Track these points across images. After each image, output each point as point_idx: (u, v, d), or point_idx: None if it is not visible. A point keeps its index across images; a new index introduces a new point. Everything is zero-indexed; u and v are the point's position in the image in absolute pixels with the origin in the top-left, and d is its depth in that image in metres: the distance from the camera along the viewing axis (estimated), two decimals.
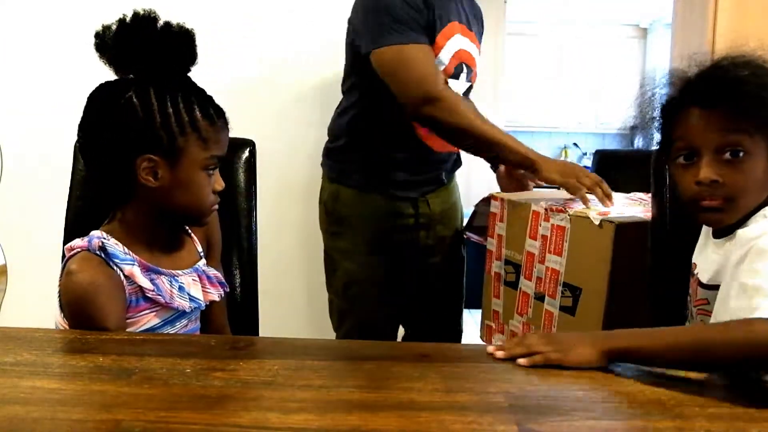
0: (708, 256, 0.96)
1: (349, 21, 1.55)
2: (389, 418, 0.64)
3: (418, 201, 1.61)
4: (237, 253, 1.27)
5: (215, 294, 1.07)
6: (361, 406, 0.68)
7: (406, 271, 1.63)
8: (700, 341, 0.75)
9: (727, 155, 0.87)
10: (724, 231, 0.92)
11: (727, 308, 0.82)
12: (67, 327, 0.94)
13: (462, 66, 1.59)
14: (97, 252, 0.94)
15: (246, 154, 1.30)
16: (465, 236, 1.75)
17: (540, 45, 5.71)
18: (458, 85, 1.58)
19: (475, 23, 1.66)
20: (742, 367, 0.75)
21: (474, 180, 3.30)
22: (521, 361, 0.79)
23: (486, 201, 1.62)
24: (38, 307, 1.05)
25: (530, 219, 1.42)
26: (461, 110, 1.44)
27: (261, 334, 1.27)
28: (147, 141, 0.94)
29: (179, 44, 0.96)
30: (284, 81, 2.00)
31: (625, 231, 1.20)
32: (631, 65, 5.63)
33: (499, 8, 4.73)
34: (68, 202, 1.23)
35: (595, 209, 1.30)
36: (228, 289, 1.12)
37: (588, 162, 5.45)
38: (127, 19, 0.94)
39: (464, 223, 1.79)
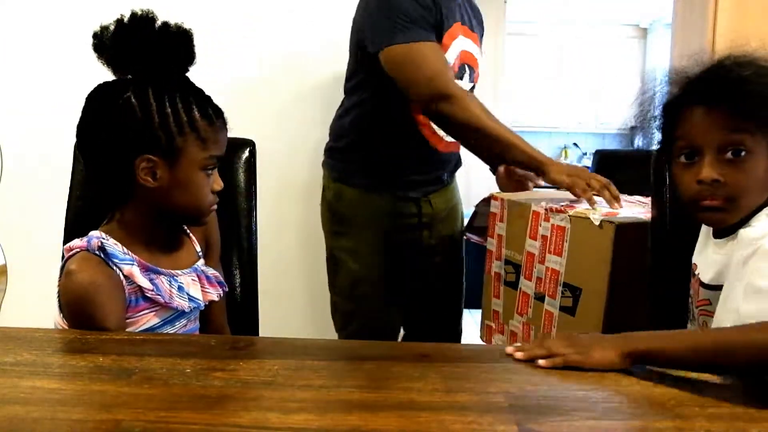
0: (708, 257, 0.96)
1: (355, 20, 1.55)
2: (389, 418, 0.64)
3: (421, 201, 1.62)
4: (237, 253, 1.27)
5: (214, 294, 1.07)
6: (361, 406, 0.68)
7: (408, 270, 1.63)
8: (720, 344, 0.74)
9: (729, 154, 0.86)
10: (724, 231, 0.92)
11: (733, 309, 0.82)
12: (66, 327, 0.94)
13: (465, 67, 1.59)
14: (97, 252, 0.94)
15: (246, 154, 1.29)
16: (465, 237, 1.75)
17: (540, 45, 5.71)
18: (462, 86, 1.58)
19: (476, 25, 1.67)
20: (762, 369, 0.74)
21: (474, 180, 3.30)
22: (541, 362, 0.78)
23: (486, 201, 1.62)
24: (38, 307, 1.05)
25: (530, 219, 1.42)
26: (473, 108, 1.44)
27: (261, 334, 1.27)
28: (145, 141, 0.94)
29: (177, 44, 0.96)
30: (284, 81, 2.00)
31: (625, 231, 1.20)
32: (631, 65, 5.63)
33: (499, 8, 4.74)
34: (68, 202, 1.23)
35: (601, 211, 1.29)
36: (227, 289, 1.12)
37: (588, 162, 5.45)
38: (125, 19, 0.94)
39: (464, 224, 1.79)
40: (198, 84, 1.01)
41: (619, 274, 1.20)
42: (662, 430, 0.64)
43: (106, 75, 0.98)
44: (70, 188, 1.24)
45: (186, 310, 1.02)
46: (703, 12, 2.41)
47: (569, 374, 0.77)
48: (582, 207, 1.34)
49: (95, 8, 1.70)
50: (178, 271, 1.03)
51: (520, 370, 0.79)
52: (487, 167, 1.86)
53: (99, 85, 0.97)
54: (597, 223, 1.23)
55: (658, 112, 0.96)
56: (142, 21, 0.94)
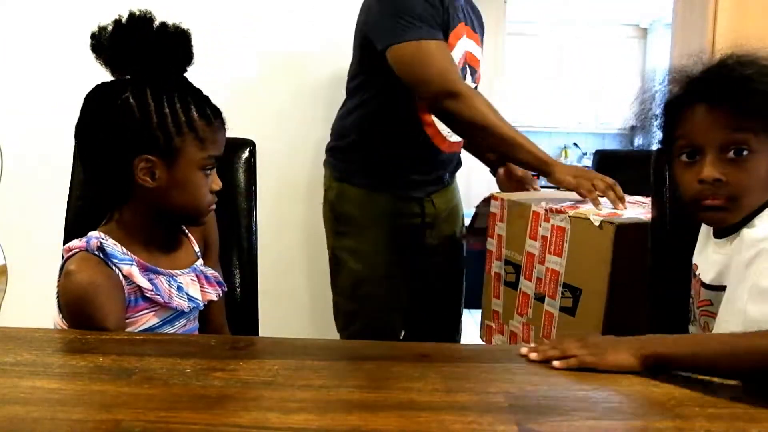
0: (709, 257, 0.95)
1: (360, 21, 1.55)
2: (389, 418, 0.64)
3: (423, 201, 1.62)
4: (237, 253, 1.27)
5: (213, 294, 1.07)
6: (361, 406, 0.68)
7: (410, 270, 1.63)
8: (742, 351, 0.73)
9: (731, 154, 0.86)
10: (725, 231, 0.92)
11: (738, 311, 0.81)
12: (66, 328, 0.94)
13: (468, 67, 1.60)
14: (96, 252, 0.94)
15: (246, 154, 1.29)
16: (463, 242, 1.75)
17: (540, 45, 5.71)
18: None
19: (477, 26, 1.68)
20: None
21: (474, 180, 3.30)
22: (556, 363, 0.78)
23: (486, 201, 1.62)
24: (38, 307, 1.05)
25: (530, 219, 1.42)
26: (480, 106, 1.44)
27: (261, 334, 1.27)
28: (144, 141, 0.94)
29: (175, 45, 0.96)
30: (284, 81, 2.00)
31: (625, 232, 1.20)
32: (631, 65, 5.64)
33: (499, 8, 4.74)
34: (68, 202, 1.24)
35: (604, 211, 1.29)
36: (226, 289, 1.12)
37: (588, 162, 5.46)
38: (123, 19, 0.94)
39: (464, 224, 1.80)
40: (198, 84, 1.01)
41: (619, 275, 1.20)
42: (662, 430, 0.64)
43: (106, 75, 0.98)
44: (70, 188, 1.24)
45: (185, 310, 1.02)
46: (703, 12, 2.41)
47: (569, 374, 0.77)
48: (585, 207, 1.33)
49: (96, 8, 1.70)
50: (177, 271, 1.03)
51: (520, 370, 0.79)
52: (487, 169, 1.86)
53: (97, 86, 0.97)
54: (597, 223, 1.23)
55: (659, 110, 0.96)
56: (140, 21, 0.94)
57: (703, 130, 0.87)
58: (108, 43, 0.94)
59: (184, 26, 0.97)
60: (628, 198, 1.42)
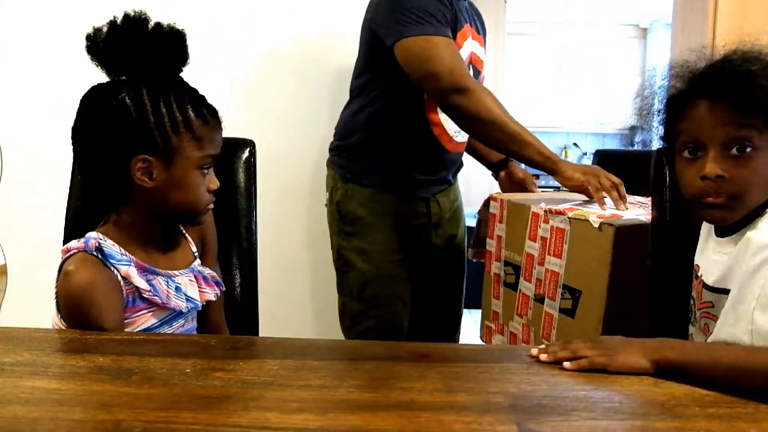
0: (710, 256, 0.94)
1: (367, 18, 1.55)
2: (389, 418, 0.64)
3: (429, 201, 1.62)
4: (237, 253, 1.27)
5: (211, 294, 1.08)
6: (361, 406, 0.68)
7: (416, 270, 1.63)
8: (755, 363, 0.73)
9: (734, 150, 0.85)
10: (726, 229, 0.91)
11: (744, 317, 0.81)
12: (64, 328, 0.94)
13: (472, 68, 1.60)
14: (94, 253, 0.94)
15: (246, 154, 1.29)
16: (470, 256, 1.74)
17: (540, 45, 5.71)
18: None
19: (481, 28, 1.69)
20: None
21: (474, 181, 3.31)
22: (566, 365, 0.78)
23: (486, 204, 1.62)
24: (38, 307, 1.05)
25: (529, 221, 1.42)
26: (489, 102, 1.44)
27: (261, 334, 1.27)
28: (141, 141, 0.94)
29: (170, 45, 0.96)
30: (284, 81, 2.00)
31: (624, 234, 1.20)
32: (631, 65, 5.63)
33: (499, 8, 4.73)
34: (68, 203, 1.24)
35: (607, 212, 1.29)
36: (224, 289, 1.12)
37: (588, 162, 5.45)
38: (118, 21, 0.94)
39: (465, 224, 1.80)
40: (198, 84, 1.01)
41: (618, 277, 1.20)
42: (662, 430, 0.64)
43: (104, 75, 0.98)
44: (70, 188, 1.24)
45: (183, 311, 1.02)
46: (703, 12, 2.41)
47: (569, 374, 0.77)
48: (585, 208, 1.33)
49: (96, 8, 1.70)
50: (176, 272, 1.03)
51: (520, 370, 0.79)
52: (487, 170, 1.87)
53: (93, 87, 0.98)
54: (596, 225, 1.23)
55: (661, 106, 0.95)
56: (135, 22, 0.94)
57: (706, 126, 0.86)
58: (103, 45, 0.95)
59: (179, 26, 0.97)
60: (628, 198, 1.43)
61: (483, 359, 0.84)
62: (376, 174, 1.57)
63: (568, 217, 1.30)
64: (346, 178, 1.60)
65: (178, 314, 1.03)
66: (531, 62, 5.66)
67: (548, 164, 1.46)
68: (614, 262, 1.20)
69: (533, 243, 1.40)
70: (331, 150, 1.66)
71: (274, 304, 1.50)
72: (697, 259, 1.00)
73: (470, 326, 1.88)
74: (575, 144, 6.04)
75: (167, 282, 1.01)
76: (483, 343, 1.64)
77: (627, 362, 0.77)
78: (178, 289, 1.02)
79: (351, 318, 1.63)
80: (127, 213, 1.00)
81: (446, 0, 1.47)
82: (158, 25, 0.95)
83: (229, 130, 1.08)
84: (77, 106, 0.97)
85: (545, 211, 1.36)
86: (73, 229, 1.15)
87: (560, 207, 1.34)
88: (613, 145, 5.95)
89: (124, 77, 0.96)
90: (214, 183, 1.02)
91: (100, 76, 0.98)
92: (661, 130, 0.96)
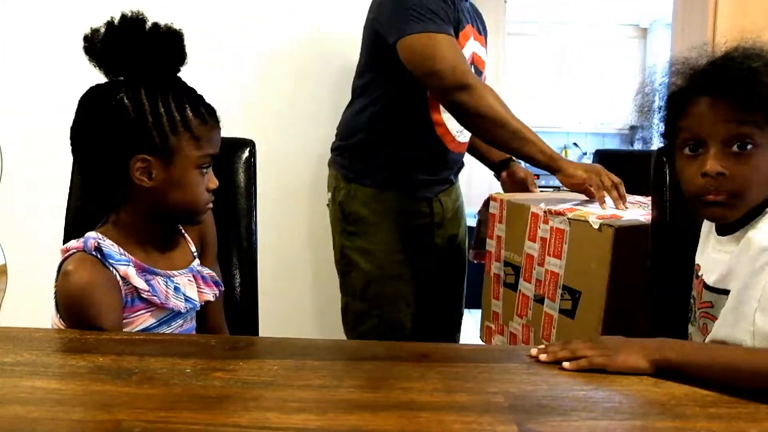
0: (711, 255, 0.94)
1: (370, 18, 1.55)
2: (389, 418, 0.64)
3: (432, 201, 1.62)
4: (237, 253, 1.27)
5: (210, 294, 1.08)
6: (361, 406, 0.68)
7: (418, 269, 1.63)
8: (755, 365, 0.73)
9: (735, 147, 0.84)
10: (727, 227, 0.91)
11: (745, 318, 0.80)
12: (63, 328, 0.94)
13: (473, 69, 1.60)
14: (93, 253, 0.94)
15: (246, 154, 1.29)
16: (471, 257, 1.74)
17: (540, 45, 5.71)
18: None
19: (482, 29, 1.69)
20: None
21: (475, 181, 3.31)
22: (566, 365, 0.78)
23: (486, 205, 1.62)
24: (38, 307, 1.05)
25: (529, 221, 1.42)
26: (492, 100, 1.44)
27: (261, 334, 1.27)
28: (140, 141, 0.94)
29: (168, 45, 0.96)
30: (284, 81, 2.00)
31: (624, 235, 1.19)
32: (631, 65, 5.63)
33: (499, 8, 4.73)
34: (68, 203, 1.24)
35: (606, 213, 1.29)
36: (223, 289, 1.12)
37: (588, 162, 5.45)
38: (115, 21, 0.94)
39: (467, 225, 1.80)
40: (198, 84, 1.01)
41: (618, 278, 1.20)
42: (662, 430, 0.64)
43: (103, 76, 0.98)
44: (70, 188, 1.24)
45: (182, 311, 1.02)
46: (703, 12, 2.41)
47: (569, 374, 0.77)
48: (588, 208, 1.33)
49: (97, 8, 1.70)
50: (175, 272, 1.03)
51: (520, 370, 0.79)
52: (487, 170, 1.87)
53: (91, 88, 0.98)
54: (596, 226, 1.23)
55: (662, 103, 0.94)
56: (132, 22, 0.94)
57: (707, 123, 0.86)
58: (101, 45, 0.95)
59: (178, 26, 0.97)
60: (628, 198, 1.43)
61: (483, 359, 0.84)
62: (378, 174, 1.57)
63: (568, 218, 1.30)
64: (348, 178, 1.59)
65: (176, 314, 1.03)
66: (531, 62, 5.66)
67: (550, 162, 1.46)
68: (614, 263, 1.19)
69: (533, 243, 1.40)
70: (333, 150, 1.66)
71: (274, 304, 1.50)
72: (698, 259, 1.00)
73: (470, 326, 1.88)
74: (575, 144, 6.04)
75: (166, 282, 1.01)
76: (483, 343, 1.64)
77: (626, 362, 0.77)
78: (176, 289, 1.02)
79: (354, 318, 1.62)
80: (126, 213, 1.00)
81: None
82: (155, 25, 0.95)
83: (229, 130, 1.08)
84: (76, 106, 0.98)
85: (545, 212, 1.36)
86: (73, 229, 1.15)
87: (560, 207, 1.34)
88: (613, 145, 5.95)
89: (122, 77, 0.96)
90: (213, 182, 1.02)
91: (100, 76, 0.98)
92: (661, 127, 0.96)
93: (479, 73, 1.63)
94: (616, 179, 1.43)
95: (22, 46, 1.92)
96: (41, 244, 1.60)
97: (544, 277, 1.36)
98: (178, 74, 1.00)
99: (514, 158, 1.78)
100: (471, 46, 1.58)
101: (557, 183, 1.52)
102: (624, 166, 1.53)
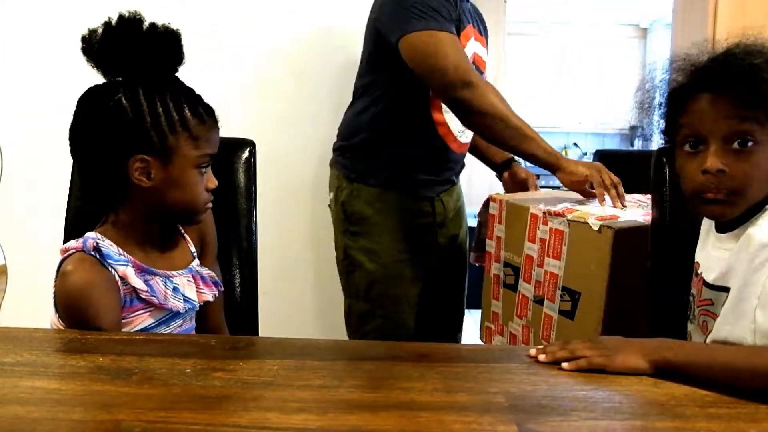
0: (710, 252, 0.94)
1: (372, 18, 1.55)
2: (389, 418, 0.64)
3: (434, 200, 1.63)
4: (237, 253, 1.27)
5: (209, 294, 1.08)
6: (361, 406, 0.68)
7: (420, 269, 1.63)
8: (755, 365, 0.73)
9: (736, 144, 0.84)
10: (727, 225, 0.90)
11: (745, 316, 0.80)
12: (62, 327, 0.94)
13: (475, 68, 1.60)
14: (92, 252, 0.94)
15: (246, 154, 1.29)
16: (473, 260, 1.74)
17: (540, 45, 5.71)
18: None
19: (483, 30, 1.69)
20: None
21: (475, 181, 3.31)
22: (565, 365, 0.78)
23: (486, 205, 1.62)
24: (38, 307, 1.05)
25: (528, 222, 1.42)
26: (494, 97, 1.44)
27: (261, 334, 1.27)
28: (138, 141, 0.94)
29: (165, 45, 0.96)
30: (284, 81, 2.00)
31: (623, 236, 1.19)
32: (631, 65, 5.63)
33: (499, 8, 4.73)
34: (68, 203, 1.24)
35: (605, 213, 1.29)
36: (222, 289, 1.12)
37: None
38: (113, 22, 0.95)
39: (468, 226, 1.80)
40: (198, 84, 1.01)
41: (617, 279, 1.20)
42: (662, 430, 0.64)
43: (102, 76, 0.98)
44: (70, 188, 1.24)
45: (181, 311, 1.02)
46: (703, 12, 2.41)
47: (569, 374, 0.77)
48: (587, 207, 1.33)
49: (97, 8, 1.70)
50: (174, 272, 1.03)
51: (520, 370, 0.79)
52: (488, 170, 1.87)
53: (89, 89, 0.98)
54: (595, 228, 1.22)
55: (663, 99, 0.94)
56: (130, 23, 0.94)
57: (708, 120, 0.85)
58: (98, 46, 0.95)
59: (177, 26, 0.97)
60: (627, 197, 1.43)
61: (483, 359, 0.84)
62: (380, 173, 1.57)
63: (567, 220, 1.30)
64: (351, 178, 1.59)
65: (175, 314, 1.03)
66: (531, 62, 5.65)
67: (551, 160, 1.46)
68: (613, 265, 1.19)
69: (532, 244, 1.40)
70: (334, 150, 1.66)
71: (274, 304, 1.50)
72: (697, 256, 0.99)
73: (470, 326, 1.88)
74: (575, 144, 6.04)
75: (165, 282, 1.01)
76: (483, 343, 1.64)
77: (625, 362, 0.77)
78: (175, 289, 1.02)
79: (358, 319, 1.62)
80: (126, 213, 1.00)
81: None
82: (153, 25, 0.96)
83: (229, 130, 1.08)
84: (75, 107, 0.98)
85: (544, 213, 1.36)
86: (73, 229, 1.15)
87: (559, 207, 1.34)
88: (613, 145, 5.95)
89: (120, 78, 0.96)
90: (212, 182, 1.02)
91: (100, 77, 0.98)
92: (662, 124, 0.96)
93: (480, 73, 1.63)
94: (615, 178, 1.43)
95: (22, 46, 1.92)
96: (41, 244, 1.60)
97: (544, 278, 1.36)
98: (177, 74, 1.00)
99: (515, 159, 1.78)
100: (472, 47, 1.58)
101: (558, 183, 1.52)
102: (624, 166, 1.53)
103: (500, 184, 1.85)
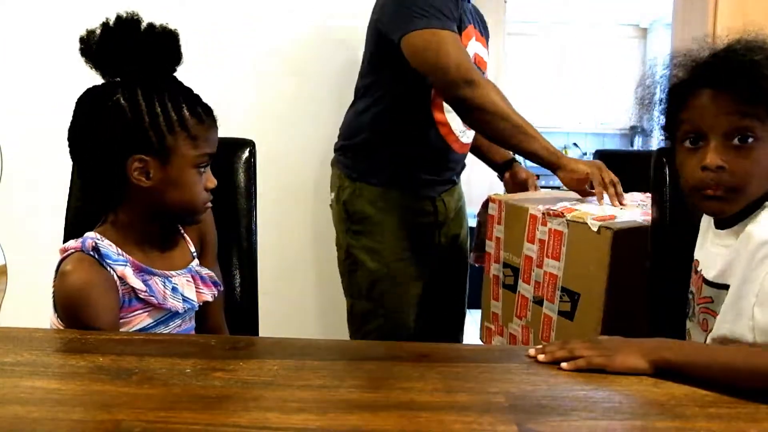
0: (710, 249, 0.94)
1: (373, 18, 1.55)
2: (389, 418, 0.64)
3: (436, 200, 1.63)
4: (237, 253, 1.27)
5: (208, 294, 1.08)
6: (361, 406, 0.68)
7: (422, 269, 1.63)
8: (754, 365, 0.73)
9: (736, 141, 0.84)
10: (726, 221, 0.90)
11: (745, 313, 0.80)
12: (61, 327, 0.94)
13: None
14: (91, 253, 0.95)
15: (246, 154, 1.29)
16: (476, 264, 1.74)
17: (540, 45, 5.71)
18: None
19: (483, 30, 1.69)
20: None
21: (475, 181, 3.31)
22: (564, 365, 0.78)
23: (485, 206, 1.62)
24: (38, 307, 1.05)
25: (528, 222, 1.42)
26: (495, 96, 1.44)
27: (261, 334, 1.27)
28: (137, 141, 0.94)
29: (163, 45, 0.97)
30: (284, 81, 2.00)
31: (622, 237, 1.19)
32: (631, 65, 5.63)
33: (499, 8, 4.73)
34: (68, 203, 1.24)
35: (603, 213, 1.29)
36: (222, 289, 1.12)
37: None
38: (111, 22, 0.95)
39: (469, 226, 1.80)
40: (198, 84, 1.01)
41: (617, 280, 1.20)
42: (662, 430, 0.64)
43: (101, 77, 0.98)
44: (70, 189, 1.24)
45: (180, 311, 1.02)
46: (703, 12, 2.41)
47: (569, 374, 0.77)
48: (586, 206, 1.33)
49: (97, 8, 1.70)
50: (173, 272, 1.03)
51: (520, 370, 0.79)
52: (489, 170, 1.87)
53: (88, 89, 0.98)
54: (595, 228, 1.22)
55: (663, 95, 0.94)
56: (128, 23, 0.95)
57: (709, 116, 0.85)
58: (96, 47, 0.95)
59: (175, 26, 0.97)
60: (626, 196, 1.43)
61: (483, 359, 0.84)
62: (382, 172, 1.57)
63: (566, 220, 1.30)
64: (353, 177, 1.59)
65: (174, 314, 1.03)
66: (531, 62, 5.66)
67: (552, 158, 1.46)
68: (612, 265, 1.19)
69: (531, 245, 1.40)
70: (336, 150, 1.66)
71: (274, 304, 1.50)
72: (697, 254, 0.99)
73: (470, 326, 1.87)
74: (575, 144, 6.04)
75: (164, 282, 1.01)
76: (483, 343, 1.64)
77: (625, 362, 0.76)
78: (174, 289, 1.02)
79: (360, 318, 1.62)
80: (125, 213, 1.00)
81: None
82: (151, 25, 0.96)
83: (229, 130, 1.08)
84: (73, 108, 0.98)
85: (543, 214, 1.36)
86: (73, 229, 1.15)
87: (557, 207, 1.34)
88: (613, 145, 5.95)
89: (119, 78, 0.97)
90: (212, 182, 1.02)
91: (100, 77, 0.98)
92: (662, 120, 0.95)
93: (481, 73, 1.64)
94: (614, 177, 1.44)
95: (21, 47, 1.92)
96: (41, 244, 1.60)
97: (543, 279, 1.36)
98: (176, 74, 1.00)
99: (516, 159, 1.78)
100: (473, 47, 1.58)
101: (557, 183, 1.53)
102: (624, 166, 1.54)
103: (500, 184, 1.85)
